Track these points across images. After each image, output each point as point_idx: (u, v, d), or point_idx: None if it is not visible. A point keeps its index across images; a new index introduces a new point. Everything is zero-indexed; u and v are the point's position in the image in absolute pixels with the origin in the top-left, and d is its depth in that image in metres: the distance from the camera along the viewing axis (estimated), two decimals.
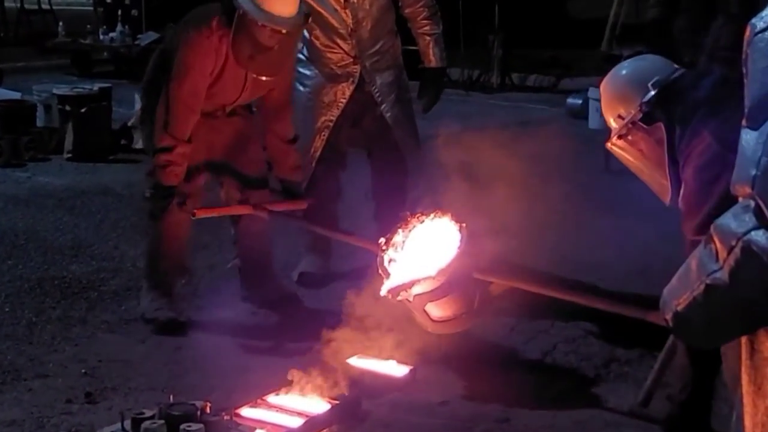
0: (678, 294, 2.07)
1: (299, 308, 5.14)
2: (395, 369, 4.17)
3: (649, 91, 3.47)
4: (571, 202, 7.36)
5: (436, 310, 4.01)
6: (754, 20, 1.93)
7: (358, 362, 4.20)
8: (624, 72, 3.63)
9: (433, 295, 3.92)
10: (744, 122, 1.91)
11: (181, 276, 5.06)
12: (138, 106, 5.04)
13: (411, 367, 4.18)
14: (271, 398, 3.86)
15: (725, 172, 3.23)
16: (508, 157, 8.89)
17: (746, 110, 1.90)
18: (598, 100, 10.72)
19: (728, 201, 3.21)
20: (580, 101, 11.05)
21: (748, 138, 1.90)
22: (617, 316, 4.94)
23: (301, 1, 4.68)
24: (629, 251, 6.21)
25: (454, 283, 3.91)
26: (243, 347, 4.64)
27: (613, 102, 3.61)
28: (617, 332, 4.67)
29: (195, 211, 4.76)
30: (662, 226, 6.31)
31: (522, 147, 9.72)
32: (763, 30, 1.89)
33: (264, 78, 4.77)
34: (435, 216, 4.08)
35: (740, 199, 2.00)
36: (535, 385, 4.25)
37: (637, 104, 3.48)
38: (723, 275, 1.94)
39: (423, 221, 4.09)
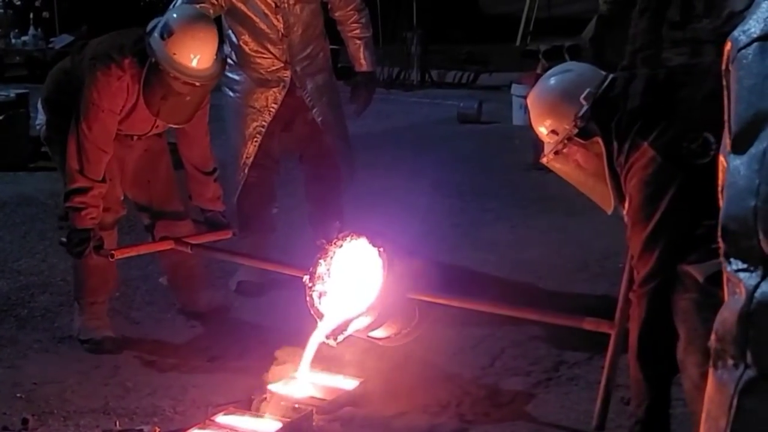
0: None
1: (236, 320, 5.02)
2: (345, 383, 4.07)
3: (581, 105, 3.40)
4: (502, 200, 7.37)
5: (380, 332, 4.02)
6: (735, 34, 1.76)
7: (306, 377, 4.09)
8: (553, 85, 3.54)
9: (372, 327, 3.93)
10: (728, 147, 1.74)
11: (112, 291, 4.90)
12: (42, 117, 4.83)
13: (361, 380, 4.08)
14: (220, 418, 3.73)
15: (670, 185, 3.21)
16: (436, 155, 8.91)
17: (732, 133, 1.73)
18: (521, 97, 10.76)
19: (675, 213, 3.20)
20: (474, 105, 11.01)
21: (737, 164, 1.71)
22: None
23: (219, 50, 4.56)
24: (565, 248, 6.21)
25: (388, 310, 3.90)
26: (183, 364, 4.50)
27: (544, 117, 3.53)
28: (563, 334, 4.63)
29: (113, 252, 4.60)
30: (595, 222, 6.35)
31: (449, 144, 9.77)
32: (747, 45, 1.73)
33: (174, 125, 4.67)
34: (352, 239, 4.03)
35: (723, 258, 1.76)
36: (488, 392, 4.19)
37: (571, 119, 3.41)
38: (753, 370, 1.70)
39: (341, 246, 4.04)
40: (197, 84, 4.42)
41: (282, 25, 5.23)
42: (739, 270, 1.72)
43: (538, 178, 7.74)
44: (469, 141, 9.70)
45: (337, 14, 5.48)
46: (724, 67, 1.79)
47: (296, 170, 5.67)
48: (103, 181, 4.53)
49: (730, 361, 1.72)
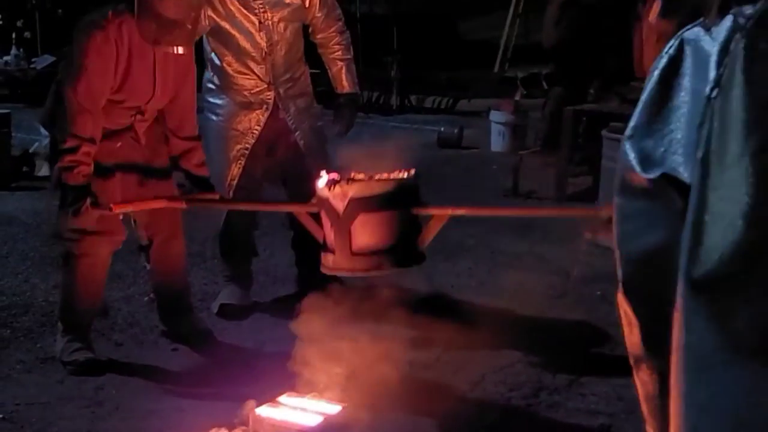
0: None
1: (220, 343, 5.04)
2: (327, 407, 4.10)
3: None
4: (482, 226, 7.41)
5: (361, 236, 3.89)
6: None
7: (288, 401, 4.12)
8: None
9: (370, 203, 3.84)
10: None
11: (97, 315, 4.92)
12: (45, 139, 4.87)
13: (343, 405, 4.11)
14: None
15: None
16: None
17: None
18: (499, 123, 10.82)
19: None
20: (455, 130, 11.08)
21: None
22: (541, 344, 5.01)
23: None
24: (545, 275, 6.24)
25: (393, 197, 3.89)
26: (166, 386, 4.51)
27: None
28: (543, 360, 4.69)
29: (112, 206, 4.56)
30: (572, 249, 6.42)
31: (429, 169, 9.81)
32: None
33: (176, 50, 4.64)
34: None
35: None
36: (467, 417, 4.22)
37: None
38: None
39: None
40: None
41: (265, 44, 5.29)
42: None
43: (516, 205, 7.81)
44: (449, 166, 9.77)
45: (318, 36, 5.53)
46: None
47: (279, 193, 5.70)
48: (92, 140, 4.55)
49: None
